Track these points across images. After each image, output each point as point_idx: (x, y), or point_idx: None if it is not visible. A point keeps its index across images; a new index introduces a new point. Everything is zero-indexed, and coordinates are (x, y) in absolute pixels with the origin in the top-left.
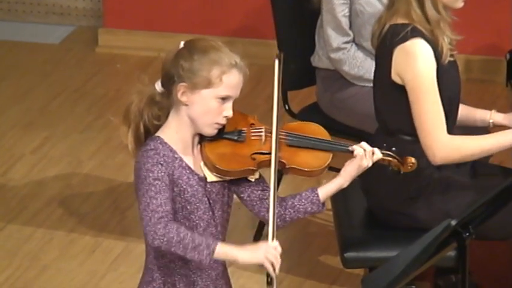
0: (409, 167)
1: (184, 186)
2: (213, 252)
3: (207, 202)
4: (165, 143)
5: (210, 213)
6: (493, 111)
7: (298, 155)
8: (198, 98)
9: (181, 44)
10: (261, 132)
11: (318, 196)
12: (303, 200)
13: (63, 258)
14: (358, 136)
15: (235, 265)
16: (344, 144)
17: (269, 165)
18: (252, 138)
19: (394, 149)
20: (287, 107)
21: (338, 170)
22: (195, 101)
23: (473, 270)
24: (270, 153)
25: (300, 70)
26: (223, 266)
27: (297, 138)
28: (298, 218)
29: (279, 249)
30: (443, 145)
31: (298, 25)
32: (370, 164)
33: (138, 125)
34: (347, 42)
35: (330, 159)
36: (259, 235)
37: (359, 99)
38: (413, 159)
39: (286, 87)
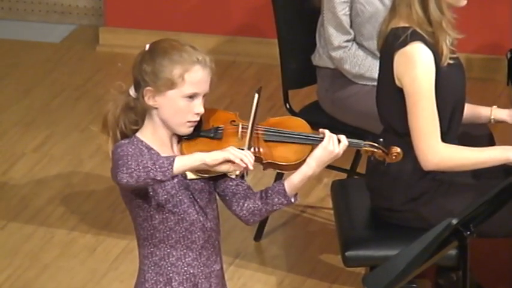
0: (394, 157)
1: None
2: (174, 161)
3: (191, 196)
4: (142, 141)
5: (197, 207)
6: (494, 107)
7: (275, 150)
8: (165, 100)
9: (147, 47)
10: (237, 128)
11: (283, 186)
12: (270, 191)
13: (63, 257)
14: (359, 135)
15: (236, 264)
16: (320, 136)
17: None
18: (229, 135)
19: (381, 140)
20: (288, 106)
21: (340, 169)
22: (162, 103)
23: (474, 268)
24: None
25: (300, 69)
26: (217, 264)
27: (274, 133)
28: (267, 211)
29: (251, 155)
30: (436, 152)
31: (299, 24)
32: (336, 150)
33: (115, 132)
34: (348, 41)
35: (308, 153)
36: (259, 235)
37: (360, 98)
38: (398, 149)
39: (287, 86)
